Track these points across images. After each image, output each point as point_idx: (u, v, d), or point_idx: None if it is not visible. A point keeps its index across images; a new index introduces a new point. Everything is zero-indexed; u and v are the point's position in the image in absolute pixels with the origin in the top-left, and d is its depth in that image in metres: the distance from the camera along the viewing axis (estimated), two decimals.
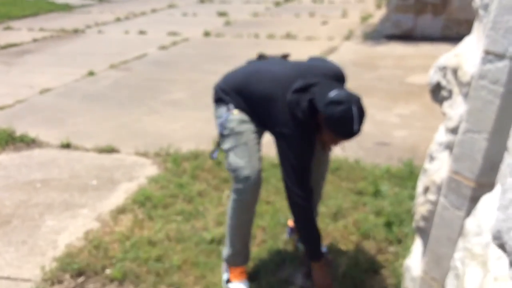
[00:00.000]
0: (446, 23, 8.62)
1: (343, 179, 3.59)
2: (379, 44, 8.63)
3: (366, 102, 5.60)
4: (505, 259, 1.02)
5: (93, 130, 4.81)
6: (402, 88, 6.01)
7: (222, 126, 2.34)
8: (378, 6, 13.21)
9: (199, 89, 6.24)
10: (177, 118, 5.18)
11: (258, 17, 12.35)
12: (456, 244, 1.84)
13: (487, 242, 1.00)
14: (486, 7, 1.69)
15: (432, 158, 2.36)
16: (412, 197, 3.11)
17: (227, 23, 11.36)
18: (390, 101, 5.57)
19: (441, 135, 2.37)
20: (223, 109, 2.36)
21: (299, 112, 2.07)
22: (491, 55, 1.65)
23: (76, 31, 10.50)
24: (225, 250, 2.43)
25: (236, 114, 2.28)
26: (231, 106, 2.32)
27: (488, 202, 1.13)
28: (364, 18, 11.34)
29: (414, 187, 3.33)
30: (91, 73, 6.85)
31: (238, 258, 2.42)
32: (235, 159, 2.23)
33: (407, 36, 8.83)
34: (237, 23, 11.45)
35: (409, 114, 5.16)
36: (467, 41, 2.17)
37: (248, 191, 2.23)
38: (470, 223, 1.12)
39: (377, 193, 3.26)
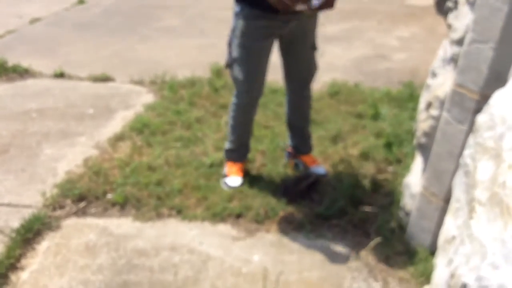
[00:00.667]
0: None
1: (342, 102, 3.54)
2: None
3: (365, 26, 5.50)
4: None
5: (86, 59, 4.69)
6: (402, 10, 5.84)
7: (231, 32, 2.35)
8: None
9: (192, 16, 6.05)
10: (171, 45, 5.05)
11: None
12: (458, 159, 1.83)
13: (501, 134, 0.97)
14: None
15: (434, 74, 2.30)
16: (412, 118, 3.09)
17: None
18: (390, 24, 5.43)
19: (445, 50, 2.30)
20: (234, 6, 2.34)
21: None
22: None
23: None
24: (225, 145, 2.70)
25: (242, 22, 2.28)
26: (237, 7, 2.31)
27: (501, 95, 1.10)
28: None
29: (414, 108, 3.29)
30: (81, 1, 6.62)
31: (235, 154, 2.66)
32: (239, 72, 2.37)
33: None
34: None
35: (409, 36, 5.04)
36: None
37: (243, 103, 2.49)
38: (482, 118, 1.09)
39: (376, 116, 3.23)
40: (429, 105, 2.01)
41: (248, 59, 2.33)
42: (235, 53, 2.33)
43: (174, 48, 4.96)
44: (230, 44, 2.36)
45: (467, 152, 1.13)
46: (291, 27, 2.34)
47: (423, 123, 2.03)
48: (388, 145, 2.81)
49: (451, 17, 1.97)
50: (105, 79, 4.19)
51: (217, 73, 4.17)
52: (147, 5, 6.51)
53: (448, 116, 1.85)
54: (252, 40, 2.30)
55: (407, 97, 3.46)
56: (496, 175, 0.92)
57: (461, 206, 1.10)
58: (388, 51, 4.65)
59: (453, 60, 1.87)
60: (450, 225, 1.19)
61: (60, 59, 4.67)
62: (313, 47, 2.53)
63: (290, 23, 2.33)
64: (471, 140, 1.11)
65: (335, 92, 3.69)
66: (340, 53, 4.65)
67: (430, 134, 1.99)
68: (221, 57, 4.57)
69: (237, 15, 2.31)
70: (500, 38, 1.61)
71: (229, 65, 2.40)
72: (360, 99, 3.57)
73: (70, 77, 4.24)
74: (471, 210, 0.99)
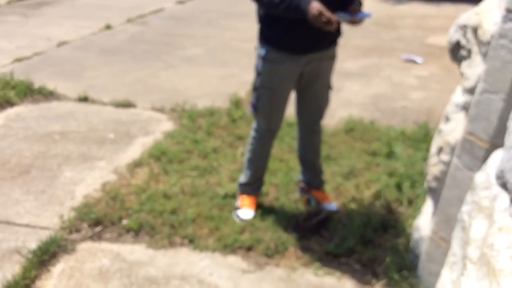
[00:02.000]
0: None
1: (357, 139, 3.59)
2: (400, 3, 8.43)
3: (384, 63, 5.57)
4: (506, 199, 1.02)
5: (110, 84, 4.84)
6: (421, 49, 5.91)
7: (257, 75, 2.50)
8: None
9: (215, 46, 6.20)
10: (193, 74, 5.17)
11: None
12: None
13: (495, 195, 1.01)
14: None
15: (447, 119, 2.35)
16: (425, 159, 3.11)
17: None
18: (408, 63, 5.49)
19: (458, 96, 2.35)
20: (258, 48, 2.50)
21: None
22: None
23: None
24: (240, 178, 2.77)
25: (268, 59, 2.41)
26: (262, 50, 2.43)
27: (498, 156, 1.14)
28: None
29: (428, 149, 3.31)
30: (108, 27, 6.84)
31: (249, 187, 2.72)
32: (263, 110, 2.51)
33: None
34: None
35: (427, 75, 5.09)
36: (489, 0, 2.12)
37: (263, 137, 2.62)
38: (480, 177, 1.13)
39: (390, 154, 3.27)
40: (440, 150, 2.05)
41: (272, 100, 2.47)
42: (261, 94, 2.46)
43: (195, 77, 5.08)
44: (256, 88, 2.49)
45: (464, 208, 1.17)
46: (311, 67, 2.45)
47: (433, 167, 2.07)
48: (400, 185, 2.84)
49: (464, 65, 2.02)
50: (127, 105, 4.30)
51: (236, 103, 4.27)
52: (171, 33, 6.69)
53: (458, 162, 1.89)
54: (277, 82, 2.43)
55: (422, 138, 3.50)
56: (487, 235, 0.95)
57: (456, 260, 1.13)
58: (405, 90, 4.70)
59: (465, 108, 1.92)
60: (446, 279, 1.22)
61: (85, 83, 4.82)
62: (329, 87, 2.63)
63: (312, 64, 2.44)
64: (469, 197, 1.15)
65: (351, 128, 3.74)
66: (357, 90, 4.71)
67: (440, 179, 2.03)
68: (240, 88, 4.73)
69: (263, 58, 2.42)
70: (510, 90, 1.66)
71: (256, 107, 2.52)
72: (375, 136, 3.61)
73: (93, 101, 4.37)
74: (464, 266, 1.02)
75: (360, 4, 2.34)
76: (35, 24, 7.16)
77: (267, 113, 2.53)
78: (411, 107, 4.32)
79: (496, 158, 1.16)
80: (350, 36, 6.46)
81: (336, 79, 4.97)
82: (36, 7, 8.27)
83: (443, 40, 6.25)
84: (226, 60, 5.63)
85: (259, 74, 2.47)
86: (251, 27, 6.92)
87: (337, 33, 2.49)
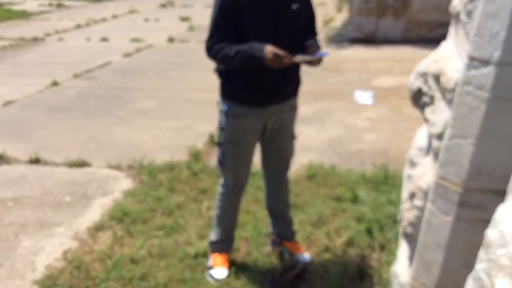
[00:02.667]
0: (407, 26, 8.83)
1: (320, 185, 3.61)
2: (343, 48, 8.75)
3: (335, 107, 5.68)
4: None
5: (62, 143, 4.68)
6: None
7: (220, 130, 2.50)
8: (339, 10, 13.41)
9: (167, 97, 6.16)
10: (147, 127, 5.10)
11: None
12: (445, 250, 1.87)
13: None
14: (469, 13, 1.73)
15: (413, 164, 2.40)
16: (390, 202, 3.16)
17: (191, 28, 11.29)
18: (358, 105, 5.65)
19: (421, 140, 2.41)
20: (220, 104, 2.49)
21: None
22: (476, 61, 1.68)
23: (35, 39, 10.21)
24: (211, 236, 2.71)
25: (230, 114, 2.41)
26: (224, 105, 2.43)
27: (507, 211, 1.15)
28: (326, 22, 11.47)
29: (390, 192, 3.39)
30: (54, 83, 6.68)
31: (220, 245, 2.66)
32: (229, 166, 2.49)
33: (369, 40, 8.99)
34: (200, 28, 11.38)
35: (377, 117, 5.24)
36: (445, 46, 2.22)
37: (232, 193, 2.60)
38: (492, 234, 1.14)
39: (355, 199, 3.29)
40: (412, 195, 2.07)
41: (238, 155, 2.47)
42: (227, 149, 2.46)
43: (150, 130, 5.00)
44: (221, 144, 2.49)
45: (479, 266, 1.17)
46: (274, 120, 2.47)
47: (407, 212, 2.09)
48: (370, 231, 2.85)
49: (427, 111, 2.09)
50: (81, 164, 4.16)
51: (195, 156, 4.21)
52: (121, 87, 6.61)
53: (433, 207, 1.91)
54: (242, 137, 2.44)
55: (382, 180, 3.56)
56: None
57: None
58: (359, 132, 4.81)
59: (434, 152, 1.96)
60: None
61: (35, 143, 4.65)
62: (293, 137, 2.64)
63: (275, 116, 2.46)
64: (482, 254, 1.16)
65: (313, 174, 3.76)
66: (313, 135, 4.78)
67: (415, 224, 2.05)
68: (198, 139, 4.69)
69: (225, 113, 2.42)
70: (479, 134, 1.71)
71: (222, 163, 2.50)
72: (337, 181, 3.65)
73: (45, 163, 4.20)
74: None
75: (317, 46, 2.40)
76: None
77: (234, 168, 2.52)
78: (366, 149, 4.41)
79: (505, 213, 1.17)
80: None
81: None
82: None
83: (387, 81, 6.52)
84: (180, 112, 5.59)
85: (222, 129, 2.47)
86: (201, 77, 6.99)
87: (297, 82, 2.56)
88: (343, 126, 5.01)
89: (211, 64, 2.43)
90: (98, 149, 4.54)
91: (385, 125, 4.99)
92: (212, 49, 2.27)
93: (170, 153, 4.37)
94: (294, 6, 2.30)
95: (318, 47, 2.43)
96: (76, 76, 7.14)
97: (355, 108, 5.51)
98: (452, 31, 2.22)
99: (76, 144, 4.65)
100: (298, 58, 2.23)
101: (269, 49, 2.15)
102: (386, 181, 3.51)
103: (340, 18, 12.09)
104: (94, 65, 7.76)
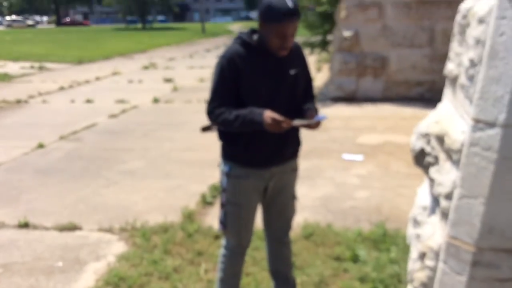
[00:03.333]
0: (386, 85, 9.12)
1: (318, 244, 3.59)
2: (326, 106, 8.95)
3: (324, 164, 5.73)
4: None
5: (51, 206, 4.59)
6: (355, 149, 6.20)
7: (222, 192, 2.53)
8: (318, 69, 13.81)
9: (155, 157, 6.16)
10: (138, 188, 5.05)
11: (204, 82, 12.54)
12: None
13: None
14: (471, 78, 1.81)
15: (417, 223, 2.42)
16: (392, 261, 3.15)
17: (175, 89, 11.45)
18: (347, 162, 5.73)
19: (424, 199, 2.45)
20: (222, 165, 2.53)
21: (241, 35, 2.36)
22: (481, 123, 1.74)
23: (19, 102, 10.21)
24: None
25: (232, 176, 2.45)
26: (225, 166, 2.47)
27: None
28: None
29: (390, 250, 3.38)
30: (40, 146, 6.62)
31: None
32: (232, 227, 2.51)
33: (351, 98, 9.23)
34: (184, 89, 11.58)
35: (366, 174, 5.31)
36: (443, 108, 2.30)
37: (234, 255, 2.60)
38: None
39: (355, 258, 3.28)
40: (423, 255, 2.08)
41: (240, 216, 2.49)
42: (229, 210, 2.47)
43: (140, 191, 4.96)
44: (223, 205, 2.49)
45: None
46: (276, 181, 2.50)
47: (418, 273, 2.09)
48: None
49: (432, 171, 2.13)
50: (72, 228, 4.08)
51: (189, 217, 4.17)
52: (109, 148, 6.59)
53: (445, 267, 1.92)
54: (244, 198, 2.46)
55: (381, 238, 3.56)
56: None
57: None
58: (350, 190, 4.85)
59: (443, 213, 1.99)
60: None
61: (23, 207, 4.56)
62: (293, 197, 2.67)
63: (276, 177, 2.49)
64: None
65: (309, 233, 3.75)
66: (306, 193, 4.79)
67: (427, 285, 2.04)
68: (190, 199, 4.65)
69: (227, 175, 2.45)
70: (489, 194, 1.75)
71: (224, 225, 2.51)
72: (335, 240, 3.64)
73: (35, 227, 4.11)
74: None
75: (315, 110, 2.46)
76: None
77: (237, 230, 2.53)
78: (359, 207, 4.43)
79: None
80: None
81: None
82: None
83: (372, 139, 6.65)
84: (169, 172, 5.58)
85: (224, 190, 2.48)
86: (188, 137, 7.04)
87: (297, 144, 2.57)
88: (334, 183, 5.05)
89: (197, 124, 2.48)
90: (88, 212, 4.46)
91: (375, 182, 5.05)
92: (212, 113, 2.32)
93: (163, 214, 4.32)
94: (293, 72, 2.37)
95: (316, 111, 2.48)
96: (62, 138, 7.11)
97: (344, 166, 5.58)
98: (448, 92, 2.31)
99: (65, 207, 4.57)
100: (297, 122, 2.27)
101: (268, 115, 2.20)
102: (385, 239, 3.51)
103: (320, 78, 12.44)
104: (80, 127, 7.75)
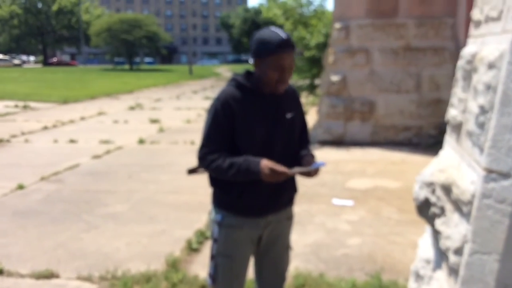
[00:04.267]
0: (374, 129, 9.11)
1: None
2: (314, 149, 8.85)
3: (314, 209, 5.59)
4: None
5: (27, 251, 4.35)
6: (345, 194, 6.08)
7: (213, 241, 2.38)
8: (305, 112, 13.83)
9: (139, 200, 5.96)
10: (120, 233, 4.83)
11: (191, 124, 12.46)
12: None
13: None
14: (481, 125, 1.71)
15: (420, 277, 2.27)
16: None
17: (161, 130, 11.32)
18: (337, 207, 5.59)
19: (427, 252, 2.31)
20: (213, 213, 2.41)
21: (236, 77, 2.28)
22: (494, 174, 1.63)
23: (0, 141, 9.96)
24: None
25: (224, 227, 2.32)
26: (217, 215, 2.34)
27: None
28: None
29: None
30: (20, 187, 6.38)
31: None
32: (223, 279, 2.33)
33: (338, 142, 9.19)
34: (171, 130, 11.45)
35: (357, 220, 5.17)
36: (447, 155, 2.19)
37: None
38: None
39: None
40: None
41: (232, 268, 2.33)
42: (219, 263, 2.32)
43: (123, 236, 4.74)
44: (213, 256, 2.35)
45: None
46: (270, 230, 2.38)
47: None
48: None
49: (438, 223, 2.01)
50: (49, 275, 3.84)
51: (173, 265, 3.97)
52: (91, 190, 6.38)
53: None
54: (236, 249, 2.32)
55: None
56: None
57: None
58: (341, 236, 4.69)
59: (452, 268, 1.85)
60: None
61: None
62: (288, 247, 2.53)
63: (271, 226, 2.36)
64: None
65: (301, 284, 3.57)
66: (296, 239, 4.61)
67: None
68: (174, 245, 4.45)
69: (219, 224, 2.32)
70: (504, 250, 1.63)
71: (214, 278, 2.35)
72: None
73: (9, 274, 3.87)
74: None
75: (312, 156, 2.38)
76: None
77: (227, 283, 2.35)
78: (352, 255, 4.27)
79: None
80: None
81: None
82: None
83: (362, 183, 6.54)
84: (154, 216, 5.37)
85: (215, 240, 2.34)
86: (174, 179, 6.86)
87: (293, 191, 2.48)
88: (324, 229, 4.89)
89: (184, 166, 2.38)
90: (67, 258, 4.23)
91: (367, 228, 4.90)
92: (204, 159, 2.21)
93: (146, 261, 4.11)
94: (289, 115, 2.30)
95: (313, 157, 2.40)
96: (43, 179, 6.88)
97: (334, 211, 5.43)
98: (451, 140, 2.21)
99: (43, 253, 4.33)
100: (295, 170, 2.18)
101: (265, 164, 2.10)
102: None
103: (307, 121, 12.43)
104: (62, 168, 7.54)
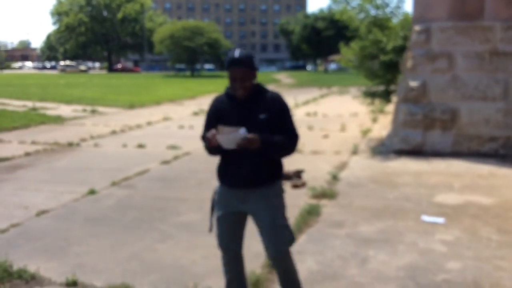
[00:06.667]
0: (456, 139, 8.46)
1: None
2: (389, 160, 8.35)
3: (401, 226, 5.10)
4: None
5: (101, 261, 4.16)
6: (434, 210, 5.55)
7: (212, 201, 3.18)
8: (374, 120, 13.27)
9: None
10: (195, 245, 4.57)
11: None
12: None
13: None
14: None
15: None
16: None
17: None
18: (427, 225, 5.08)
19: None
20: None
21: (228, 87, 3.00)
22: None
23: (70, 145, 10.07)
24: None
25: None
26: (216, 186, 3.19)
27: None
28: (364, 132, 11.25)
29: None
30: (91, 192, 6.28)
31: None
32: (216, 232, 3.20)
33: (416, 152, 8.59)
34: None
35: (453, 240, 4.65)
36: None
37: (224, 257, 3.27)
38: None
39: None
40: None
41: (219, 226, 3.12)
42: (214, 218, 3.14)
43: (199, 248, 4.48)
44: (212, 210, 3.16)
45: None
46: (252, 206, 2.99)
47: None
48: None
49: None
50: None
51: (255, 285, 3.66)
52: (162, 197, 6.19)
53: None
54: (220, 211, 3.08)
55: None
56: None
57: None
58: (438, 259, 4.21)
59: None
60: None
61: (72, 261, 4.16)
62: (277, 226, 3.00)
63: (251, 201, 2.98)
64: None
65: None
66: (386, 260, 4.19)
67: None
68: (252, 261, 4.01)
69: (214, 192, 3.14)
70: None
71: (210, 229, 3.23)
72: None
73: (84, 286, 3.67)
74: None
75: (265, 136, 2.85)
76: (10, 189, 6.56)
77: (219, 240, 3.19)
78: (454, 281, 3.79)
79: None
80: (352, 195, 6.13)
81: (356, 246, 4.48)
82: (11, 170, 7.73)
83: (452, 199, 5.98)
84: None
85: (213, 204, 3.17)
86: None
87: (263, 171, 2.94)
88: (417, 250, 4.42)
89: None
90: (142, 271, 4.00)
91: (466, 251, 4.38)
92: (202, 141, 3.05)
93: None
94: (262, 116, 2.87)
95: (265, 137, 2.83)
96: (114, 184, 6.77)
97: (425, 229, 4.94)
98: None
99: (117, 264, 4.13)
100: (220, 129, 2.74)
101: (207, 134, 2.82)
102: None
103: (377, 129, 11.88)
104: (132, 173, 7.42)
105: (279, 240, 2.99)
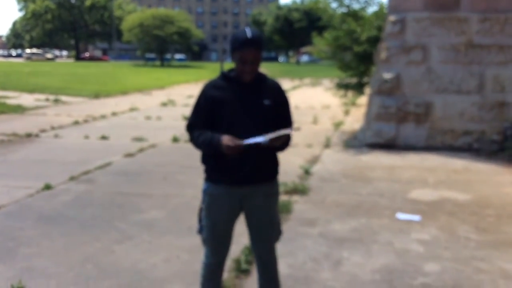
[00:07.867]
0: (430, 132, 8.30)
1: None
2: (362, 153, 8.15)
3: (375, 224, 4.85)
4: None
5: (52, 265, 3.79)
6: (409, 207, 5.34)
7: (201, 203, 2.85)
8: (347, 113, 13.09)
9: (177, 206, 5.36)
10: (156, 246, 4.23)
11: None
12: None
13: None
14: None
15: None
16: None
17: None
18: (402, 223, 4.86)
19: None
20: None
21: (223, 71, 2.75)
22: None
23: (29, 135, 9.51)
24: None
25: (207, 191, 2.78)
26: (204, 186, 2.80)
27: None
28: (337, 125, 11.04)
29: None
30: (47, 187, 5.84)
31: None
32: (207, 237, 2.84)
33: (389, 145, 8.41)
34: None
35: (430, 240, 4.43)
36: None
37: (212, 263, 2.89)
38: None
39: None
40: None
41: (214, 228, 2.78)
42: (204, 222, 2.81)
43: (160, 250, 4.14)
44: (200, 211, 2.83)
45: None
46: (250, 204, 2.75)
47: None
48: None
49: None
50: None
51: None
52: (124, 192, 5.80)
53: None
54: (216, 213, 2.75)
55: None
56: None
57: None
58: (415, 260, 3.98)
59: None
60: None
61: (20, 265, 3.80)
62: (272, 222, 2.85)
63: (250, 199, 2.74)
64: None
65: None
66: (361, 262, 3.94)
67: None
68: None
69: (204, 192, 2.78)
70: None
71: (200, 231, 2.87)
72: None
73: None
74: None
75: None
76: None
77: (210, 242, 2.84)
78: (433, 285, 3.56)
79: None
80: (324, 191, 5.88)
81: (329, 247, 4.21)
82: None
83: (426, 194, 5.79)
84: (193, 225, 4.67)
85: (202, 201, 2.82)
86: None
87: (267, 168, 2.74)
88: (393, 250, 4.18)
89: None
90: (98, 275, 3.65)
91: (443, 251, 4.17)
92: (187, 131, 2.76)
93: (187, 283, 3.51)
94: (267, 102, 2.66)
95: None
96: (72, 178, 6.33)
97: (400, 227, 4.71)
98: None
99: (70, 268, 3.76)
100: (248, 142, 2.48)
101: (224, 140, 2.49)
102: None
103: (350, 121, 11.70)
104: (93, 166, 6.98)
105: (273, 236, 2.89)
